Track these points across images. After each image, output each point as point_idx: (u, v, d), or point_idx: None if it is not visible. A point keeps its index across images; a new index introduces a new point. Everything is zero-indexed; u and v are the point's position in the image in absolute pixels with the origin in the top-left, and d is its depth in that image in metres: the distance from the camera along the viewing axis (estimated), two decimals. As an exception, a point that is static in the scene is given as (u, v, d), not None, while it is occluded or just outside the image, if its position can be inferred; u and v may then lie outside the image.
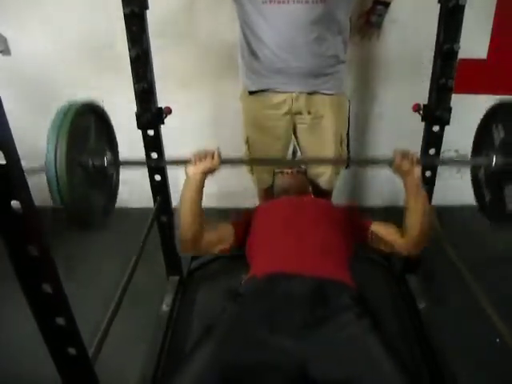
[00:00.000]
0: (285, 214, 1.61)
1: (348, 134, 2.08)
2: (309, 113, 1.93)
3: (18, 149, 0.81)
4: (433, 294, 1.95)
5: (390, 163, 1.40)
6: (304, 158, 2.12)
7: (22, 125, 1.74)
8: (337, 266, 1.42)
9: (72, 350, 1.02)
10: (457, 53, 1.53)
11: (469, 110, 2.26)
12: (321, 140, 2.00)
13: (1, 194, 0.82)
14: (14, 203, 0.84)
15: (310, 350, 1.15)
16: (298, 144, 2.11)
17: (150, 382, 1.59)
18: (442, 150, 2.53)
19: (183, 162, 1.45)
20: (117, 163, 1.47)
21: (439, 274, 1.98)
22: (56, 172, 1.10)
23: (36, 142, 1.92)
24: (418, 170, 1.40)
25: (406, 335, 1.82)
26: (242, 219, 1.67)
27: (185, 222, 1.46)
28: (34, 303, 0.94)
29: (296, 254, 1.42)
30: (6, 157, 0.79)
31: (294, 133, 2.06)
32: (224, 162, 1.45)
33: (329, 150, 2.01)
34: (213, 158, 1.41)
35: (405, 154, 1.38)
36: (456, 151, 2.60)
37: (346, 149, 2.07)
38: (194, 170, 1.42)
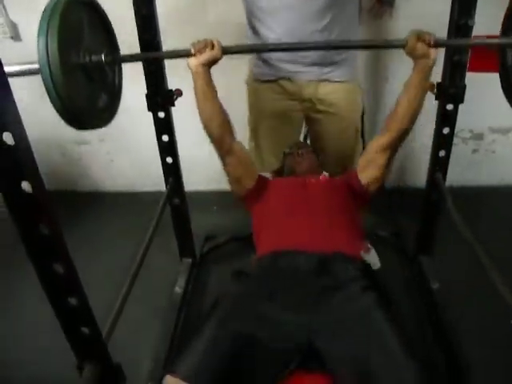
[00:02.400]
0: (290, 194, 1.60)
1: (363, 122, 2.02)
2: (319, 100, 1.89)
3: (27, 132, 0.82)
4: (446, 274, 1.93)
5: (403, 45, 1.32)
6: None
7: (32, 108, 1.75)
8: (344, 239, 1.42)
9: (85, 330, 1.03)
10: (471, 28, 1.49)
11: (483, 90, 2.22)
12: (333, 128, 1.95)
13: (11, 175, 0.83)
14: (24, 184, 0.84)
15: (316, 323, 1.16)
16: (310, 131, 2.08)
17: (163, 361, 1.60)
18: (456, 130, 2.53)
19: (184, 55, 1.40)
20: (117, 59, 1.40)
21: (453, 255, 1.96)
22: (50, 72, 1.04)
23: (45, 125, 1.93)
24: (434, 53, 1.32)
25: (419, 316, 1.82)
26: (263, 181, 1.65)
27: (203, 114, 1.46)
28: (46, 283, 0.95)
29: (301, 230, 1.42)
30: (15, 138, 0.80)
31: (307, 120, 2.03)
32: (225, 51, 1.39)
33: (342, 138, 1.97)
34: (213, 47, 1.37)
35: (421, 36, 1.30)
36: (470, 131, 2.56)
37: (360, 137, 2.01)
38: (196, 61, 1.38)
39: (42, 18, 1.06)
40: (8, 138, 0.79)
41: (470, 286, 1.80)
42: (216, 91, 1.47)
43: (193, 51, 1.37)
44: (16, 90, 0.79)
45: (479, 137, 2.57)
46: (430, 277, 1.89)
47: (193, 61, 1.38)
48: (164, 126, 1.78)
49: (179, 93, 1.75)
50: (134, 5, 1.54)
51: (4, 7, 2.37)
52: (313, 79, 1.84)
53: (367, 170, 1.56)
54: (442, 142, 1.72)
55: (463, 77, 1.59)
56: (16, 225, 0.88)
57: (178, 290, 1.98)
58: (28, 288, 1.87)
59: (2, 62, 0.77)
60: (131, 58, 1.46)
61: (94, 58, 1.23)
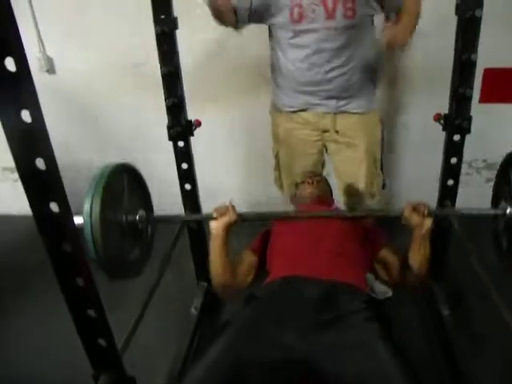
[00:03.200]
0: (302, 224, 1.67)
1: (382, 154, 2.05)
2: (336, 132, 1.94)
3: (58, 158, 0.92)
4: (457, 301, 1.95)
5: (399, 216, 1.47)
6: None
7: (64, 136, 1.89)
8: (351, 270, 1.47)
9: (102, 341, 1.11)
10: (475, 62, 1.56)
11: (497, 120, 2.27)
12: (352, 159, 1.98)
13: (40, 197, 0.93)
14: (53, 205, 0.94)
15: (318, 350, 1.19)
16: (332, 162, 2.11)
17: (176, 379, 1.66)
18: (469, 159, 2.57)
19: (209, 218, 1.58)
20: (151, 219, 1.58)
21: (464, 282, 1.99)
22: (92, 233, 1.24)
23: (76, 153, 2.06)
24: (427, 223, 1.45)
25: (429, 342, 1.84)
26: (257, 239, 1.75)
27: (216, 272, 1.58)
28: (68, 295, 1.04)
29: (310, 258, 1.48)
30: (46, 163, 0.90)
31: (327, 150, 2.07)
32: (242, 218, 1.56)
33: (361, 169, 1.99)
34: (229, 213, 1.53)
35: (415, 207, 1.44)
36: (484, 161, 2.60)
37: (380, 170, 2.04)
38: (217, 225, 1.54)
39: (90, 184, 1.29)
40: (40, 163, 0.90)
41: (480, 312, 1.82)
42: (228, 249, 1.59)
43: (215, 215, 1.54)
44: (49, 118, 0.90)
45: (493, 166, 2.59)
46: (441, 303, 1.91)
47: (214, 224, 1.54)
48: (183, 155, 1.88)
49: (198, 123, 1.85)
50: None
51: (42, 43, 2.56)
52: (330, 111, 1.90)
53: (383, 264, 1.65)
54: (451, 172, 1.76)
55: (469, 108, 1.65)
56: (44, 242, 0.98)
57: (194, 311, 2.04)
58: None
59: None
60: (163, 219, 1.64)
61: (129, 217, 1.44)
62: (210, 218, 1.57)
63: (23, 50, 0.82)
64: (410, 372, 1.12)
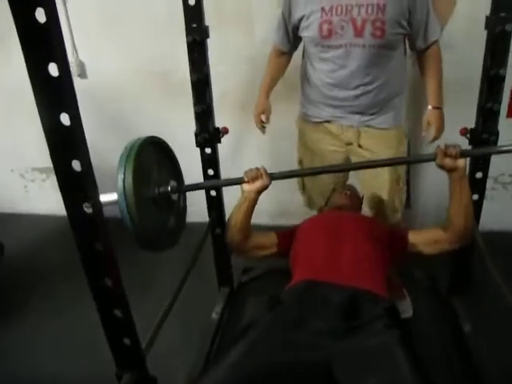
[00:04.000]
0: (326, 226, 1.68)
1: (409, 171, 2.03)
2: (360, 146, 1.94)
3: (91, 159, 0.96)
4: (479, 316, 1.93)
5: (433, 159, 1.42)
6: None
7: (93, 138, 1.94)
8: (373, 277, 1.47)
9: (127, 341, 1.14)
10: (503, 77, 1.55)
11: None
12: (375, 175, 1.95)
13: (74, 197, 0.97)
14: (86, 205, 0.98)
15: (337, 355, 1.20)
16: (356, 175, 2.11)
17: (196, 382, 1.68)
18: (495, 174, 2.54)
19: (239, 183, 1.58)
20: (181, 189, 1.60)
21: (487, 298, 1.96)
22: (127, 204, 1.26)
23: (104, 155, 2.11)
24: (461, 164, 1.41)
25: (449, 356, 1.82)
26: (287, 231, 1.76)
27: (234, 229, 1.62)
28: (96, 295, 1.08)
29: (333, 264, 1.48)
30: (82, 165, 0.93)
31: None
32: (273, 177, 1.55)
33: (382, 185, 1.98)
34: (262, 176, 1.53)
35: (447, 151, 1.39)
36: (511, 176, 2.56)
37: (404, 185, 2.01)
38: (249, 188, 1.55)
39: (120, 159, 1.30)
40: (76, 165, 0.94)
41: (502, 329, 1.79)
42: (252, 213, 1.62)
43: (246, 179, 1.55)
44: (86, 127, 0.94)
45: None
46: (462, 318, 1.89)
47: (247, 187, 1.56)
48: (210, 161, 1.92)
49: (226, 131, 1.89)
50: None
51: (75, 49, 2.64)
52: (353, 125, 1.91)
53: (419, 246, 1.63)
54: (475, 187, 1.75)
55: (496, 123, 1.64)
56: (76, 241, 1.01)
57: (215, 316, 2.07)
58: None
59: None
60: (193, 188, 1.64)
61: (161, 189, 1.45)
62: (241, 182, 1.57)
63: (66, 56, 0.86)
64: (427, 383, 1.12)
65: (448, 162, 1.40)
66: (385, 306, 1.34)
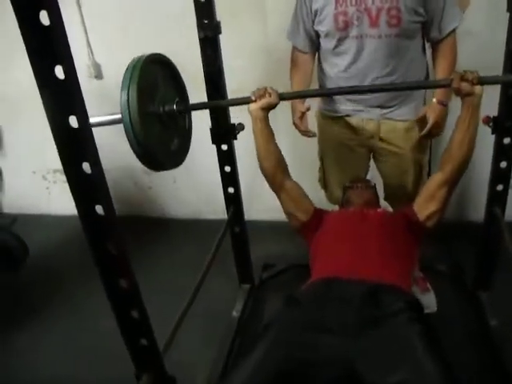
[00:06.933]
0: (346, 224, 1.65)
1: (430, 161, 2.00)
2: (380, 139, 1.91)
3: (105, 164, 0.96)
4: (505, 311, 1.88)
5: (449, 84, 1.39)
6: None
7: (110, 144, 1.94)
8: (394, 272, 1.44)
9: (144, 341, 1.14)
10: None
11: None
12: (397, 167, 1.96)
13: (86, 200, 0.96)
14: (98, 207, 0.98)
15: (358, 350, 1.18)
16: (377, 168, 2.08)
17: (217, 380, 1.67)
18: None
19: (246, 102, 1.56)
20: (187, 107, 1.57)
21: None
22: (130, 121, 1.23)
23: (121, 158, 2.12)
24: (478, 90, 1.37)
25: (475, 351, 1.78)
26: (320, 215, 1.72)
27: (259, 157, 1.64)
28: (112, 297, 1.08)
29: (353, 260, 1.46)
30: (92, 167, 0.93)
31: (372, 156, 2.05)
32: (281, 97, 1.54)
33: (407, 177, 1.96)
34: (270, 95, 1.51)
35: (464, 75, 1.36)
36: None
37: (426, 178, 1.97)
38: (255, 106, 1.54)
39: (124, 76, 1.28)
40: (86, 167, 0.93)
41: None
42: (273, 133, 1.62)
43: (253, 98, 1.53)
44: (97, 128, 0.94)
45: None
46: (488, 313, 1.84)
47: (253, 105, 1.55)
48: (226, 158, 1.91)
49: (241, 127, 1.86)
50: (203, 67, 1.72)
51: (91, 51, 2.65)
52: (373, 118, 1.87)
53: (426, 206, 1.58)
54: (500, 176, 1.70)
55: (521, 111, 1.59)
56: (89, 243, 1.01)
57: (235, 314, 2.06)
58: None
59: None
60: (199, 106, 1.62)
61: (166, 107, 1.42)
62: (248, 101, 1.55)
63: (72, 59, 0.85)
64: (449, 376, 1.09)
65: (465, 86, 1.36)
66: (407, 300, 1.32)
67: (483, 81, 1.37)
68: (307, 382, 1.18)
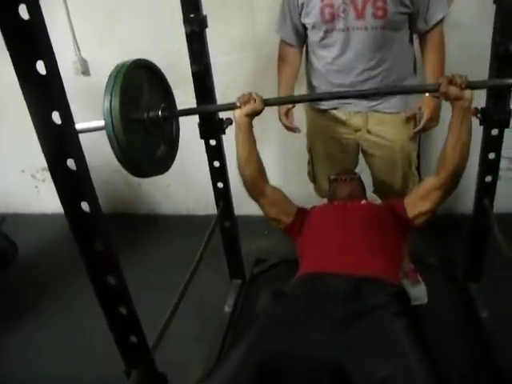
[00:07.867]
0: (330, 218, 1.65)
1: (419, 155, 1.98)
2: (368, 131, 1.90)
3: (89, 160, 0.95)
4: (495, 302, 1.89)
5: (437, 89, 1.36)
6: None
7: (98, 143, 1.93)
8: (381, 263, 1.43)
9: (133, 338, 1.13)
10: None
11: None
12: (385, 160, 1.94)
13: (71, 196, 0.95)
14: (84, 204, 0.97)
15: (344, 346, 1.17)
16: (366, 161, 2.07)
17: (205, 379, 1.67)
18: (510, 155, 2.47)
19: (232, 108, 1.56)
20: (173, 113, 1.55)
21: (502, 283, 1.91)
22: (113, 129, 1.21)
23: (110, 156, 2.10)
24: (467, 95, 1.35)
25: (465, 343, 1.79)
26: (302, 214, 1.72)
27: (240, 163, 1.62)
28: (100, 293, 1.07)
29: (339, 254, 1.46)
30: (77, 164, 0.92)
31: (362, 150, 2.03)
32: (266, 103, 1.53)
33: (395, 171, 1.95)
34: (255, 101, 1.51)
35: (453, 79, 1.33)
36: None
37: (415, 171, 1.97)
38: (240, 112, 1.54)
39: (107, 83, 1.25)
40: (71, 163, 0.92)
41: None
42: (255, 141, 1.61)
43: (238, 104, 1.53)
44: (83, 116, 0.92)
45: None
46: (479, 305, 1.86)
47: (237, 112, 1.54)
48: (215, 153, 1.90)
49: (230, 121, 1.85)
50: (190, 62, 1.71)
51: (78, 47, 2.63)
52: (361, 110, 1.86)
53: (417, 205, 1.57)
54: (488, 168, 1.70)
55: (508, 101, 1.59)
56: (75, 239, 1.00)
57: (227, 309, 2.06)
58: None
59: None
60: (185, 113, 1.60)
61: (151, 114, 1.40)
62: (233, 107, 1.55)
63: (53, 54, 0.84)
64: (434, 370, 1.08)
65: (453, 90, 1.34)
66: (393, 292, 1.31)
67: (472, 85, 1.36)
68: (291, 379, 1.18)
